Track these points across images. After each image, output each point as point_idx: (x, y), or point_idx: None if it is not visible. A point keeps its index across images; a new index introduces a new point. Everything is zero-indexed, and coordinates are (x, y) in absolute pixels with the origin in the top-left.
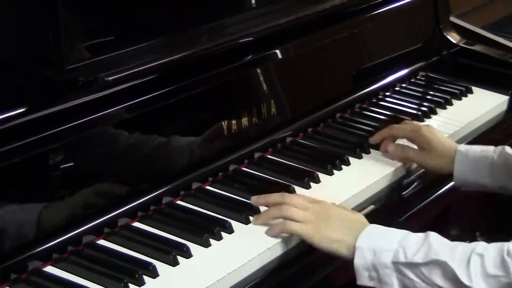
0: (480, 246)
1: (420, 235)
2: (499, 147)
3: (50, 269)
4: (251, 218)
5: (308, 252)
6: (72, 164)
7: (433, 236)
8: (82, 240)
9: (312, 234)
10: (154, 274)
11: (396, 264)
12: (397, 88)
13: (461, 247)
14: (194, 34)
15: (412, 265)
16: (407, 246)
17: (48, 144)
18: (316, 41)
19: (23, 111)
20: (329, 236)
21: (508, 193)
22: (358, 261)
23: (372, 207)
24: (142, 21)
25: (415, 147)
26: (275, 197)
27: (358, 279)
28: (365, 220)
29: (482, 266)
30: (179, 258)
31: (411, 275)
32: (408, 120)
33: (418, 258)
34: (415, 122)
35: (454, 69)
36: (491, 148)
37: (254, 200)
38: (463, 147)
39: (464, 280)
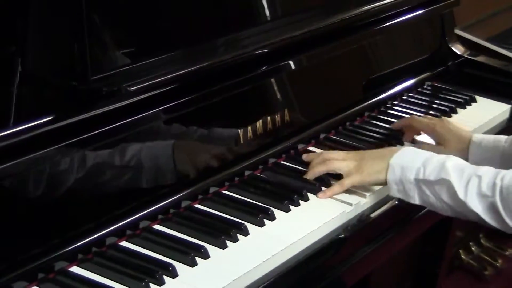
0: (483, 169)
1: (442, 157)
2: (511, 137)
3: (75, 269)
4: (265, 221)
5: (320, 254)
6: (95, 169)
7: (451, 159)
8: (106, 241)
9: (360, 177)
10: (173, 274)
11: (417, 180)
12: (404, 97)
13: (468, 169)
14: (212, 46)
15: (427, 182)
16: (428, 165)
17: (73, 150)
18: (327, 52)
19: (51, 119)
20: (369, 171)
21: None
22: (389, 176)
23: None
24: (163, 34)
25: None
26: (317, 159)
27: (390, 191)
28: (397, 148)
29: (478, 186)
30: (197, 259)
31: (427, 190)
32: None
33: (432, 177)
34: (431, 118)
35: (459, 79)
36: (503, 137)
37: (304, 156)
38: (476, 137)
39: (461, 196)
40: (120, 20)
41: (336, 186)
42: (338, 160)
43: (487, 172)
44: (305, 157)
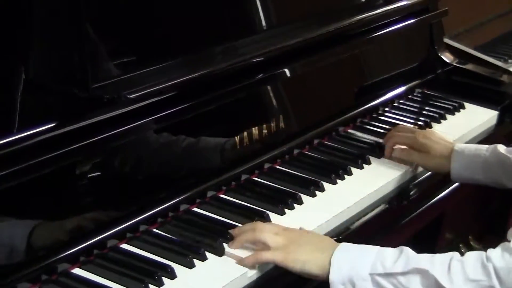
0: (457, 254)
1: (394, 249)
2: (492, 146)
3: (77, 270)
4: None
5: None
6: (96, 175)
7: (408, 249)
8: (107, 244)
9: (285, 258)
10: (172, 275)
11: (373, 275)
12: (395, 104)
13: (439, 256)
14: (210, 54)
15: (390, 276)
16: (384, 258)
17: (74, 156)
18: (321, 60)
19: (53, 126)
20: (301, 258)
21: (499, 187)
22: (333, 276)
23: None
24: (162, 43)
25: None
26: (248, 225)
27: None
28: (333, 240)
29: (463, 272)
30: (195, 261)
31: (388, 285)
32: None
33: (397, 268)
34: (411, 129)
35: (448, 86)
36: (484, 146)
37: (232, 232)
38: (459, 146)
39: (446, 285)
40: (119, 29)
41: (252, 256)
42: (268, 233)
43: (465, 256)
44: (235, 230)
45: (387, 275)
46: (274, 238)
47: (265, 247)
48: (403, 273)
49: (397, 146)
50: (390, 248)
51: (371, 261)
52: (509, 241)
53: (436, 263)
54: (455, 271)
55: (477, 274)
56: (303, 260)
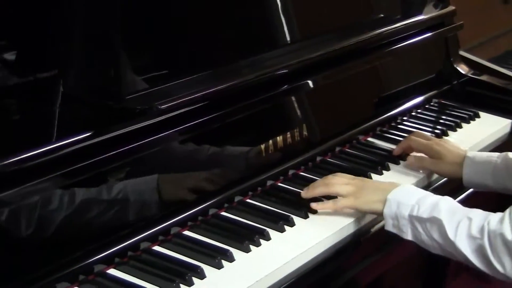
0: (473, 212)
1: (437, 197)
2: (503, 154)
3: (112, 271)
4: (286, 227)
5: (336, 257)
6: (131, 181)
7: (445, 199)
8: (140, 246)
9: (356, 202)
10: (201, 276)
11: (410, 216)
12: (413, 113)
13: (460, 211)
14: (236, 67)
15: (420, 219)
16: (422, 203)
17: (109, 163)
18: (342, 72)
19: (88, 135)
20: (368, 200)
21: (509, 193)
22: (386, 211)
23: None
24: (191, 56)
25: None
26: (320, 181)
27: (385, 225)
28: (396, 184)
29: (468, 228)
30: (223, 262)
31: (419, 227)
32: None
33: (425, 214)
34: (427, 136)
35: (463, 96)
36: (495, 154)
37: (304, 193)
38: (471, 153)
39: (451, 236)
40: (152, 44)
41: (330, 203)
42: (339, 184)
43: (478, 214)
44: (307, 193)
45: (418, 218)
46: (345, 187)
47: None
48: (428, 220)
49: (413, 153)
50: (433, 196)
51: (412, 203)
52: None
53: (453, 216)
54: (462, 226)
55: (477, 232)
56: (370, 201)
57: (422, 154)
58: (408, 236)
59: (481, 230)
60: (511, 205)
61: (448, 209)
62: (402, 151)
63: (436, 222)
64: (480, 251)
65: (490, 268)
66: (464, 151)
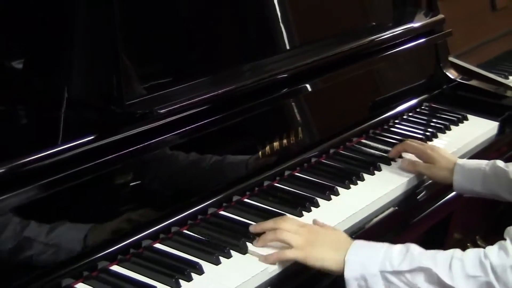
0: (458, 252)
1: (400, 246)
2: (491, 161)
3: (115, 267)
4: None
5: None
6: (133, 182)
7: (414, 247)
8: (142, 244)
9: (306, 257)
10: (200, 271)
11: (383, 272)
12: (405, 116)
13: (441, 254)
14: (236, 72)
15: (397, 273)
16: (392, 257)
17: (112, 165)
18: (338, 77)
19: (92, 138)
20: (320, 257)
21: (498, 199)
22: (348, 273)
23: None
24: (190, 63)
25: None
26: (269, 223)
27: (347, 287)
28: (347, 236)
29: (463, 268)
30: (221, 259)
31: (396, 281)
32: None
33: (404, 267)
34: (421, 143)
35: (452, 100)
36: (484, 161)
37: (252, 228)
38: (461, 160)
39: (447, 281)
40: (152, 52)
41: (275, 254)
42: (288, 232)
43: (465, 254)
44: (255, 227)
45: (395, 272)
46: (295, 238)
47: (287, 245)
48: (409, 271)
49: (407, 155)
50: (397, 246)
51: (380, 260)
52: (505, 240)
53: (439, 261)
54: (455, 268)
55: (475, 270)
56: (322, 258)
57: (415, 158)
58: None
59: (481, 267)
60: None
61: (426, 255)
62: (398, 154)
63: (423, 271)
64: (486, 287)
65: None
66: (455, 158)
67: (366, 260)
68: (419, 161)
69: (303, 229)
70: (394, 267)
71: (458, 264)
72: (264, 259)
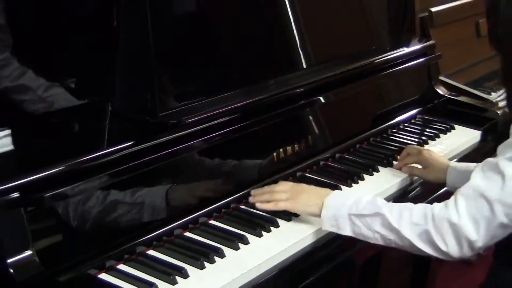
0: (410, 204)
1: (370, 196)
2: (480, 163)
3: (151, 252)
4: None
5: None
6: (164, 180)
7: (379, 199)
8: (174, 232)
9: (294, 205)
10: (221, 255)
11: (350, 215)
12: (401, 126)
13: (398, 205)
14: (262, 86)
15: (360, 216)
16: (359, 203)
17: (146, 166)
18: (345, 92)
19: (131, 144)
20: (304, 203)
21: None
22: (323, 214)
23: None
24: (218, 78)
25: (419, 166)
26: (266, 188)
27: (323, 226)
28: (328, 190)
29: (410, 217)
30: (240, 245)
31: (359, 223)
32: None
33: (365, 211)
34: (418, 148)
35: (442, 112)
36: (473, 164)
37: (253, 192)
38: (453, 163)
39: (395, 226)
40: (182, 70)
41: (272, 204)
42: (280, 191)
43: (415, 206)
44: (255, 191)
45: (358, 215)
46: (284, 194)
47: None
48: (369, 215)
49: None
50: (367, 196)
51: (349, 204)
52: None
53: (393, 209)
54: (404, 216)
55: (419, 219)
56: (306, 204)
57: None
58: (346, 232)
59: (424, 217)
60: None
61: (386, 205)
62: (400, 166)
63: (379, 216)
64: (425, 235)
65: (433, 248)
66: (448, 161)
67: (339, 204)
68: (415, 165)
69: (292, 187)
70: (358, 211)
71: (407, 214)
72: (260, 205)
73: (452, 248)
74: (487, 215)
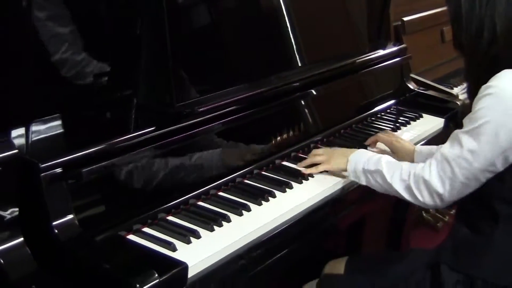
0: (403, 164)
1: (379, 155)
2: (440, 146)
3: (170, 218)
4: (287, 189)
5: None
6: (180, 160)
7: (385, 157)
8: (189, 201)
9: (329, 165)
10: (228, 220)
11: (363, 169)
12: (379, 115)
13: (394, 164)
14: (263, 81)
15: (369, 171)
16: (370, 161)
17: (165, 148)
18: (333, 86)
19: (152, 129)
20: (337, 162)
21: None
22: (348, 167)
23: None
24: (227, 74)
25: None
26: (308, 159)
27: (349, 176)
28: (355, 150)
29: (400, 174)
30: (243, 212)
31: (369, 176)
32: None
33: (372, 167)
34: (391, 133)
35: (413, 103)
36: (435, 146)
37: (299, 164)
38: (418, 147)
39: (388, 179)
40: (196, 67)
41: (313, 168)
42: (319, 155)
43: (406, 165)
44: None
45: (368, 170)
46: (321, 157)
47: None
48: (373, 171)
49: (380, 145)
50: (377, 155)
51: (364, 161)
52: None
53: (390, 167)
54: (396, 173)
55: (406, 176)
56: (337, 162)
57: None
58: (363, 182)
59: (408, 175)
60: None
61: (386, 163)
62: (372, 143)
63: (379, 172)
64: (408, 188)
65: (414, 198)
66: (413, 146)
67: (358, 160)
68: (386, 149)
69: (326, 151)
70: (368, 166)
71: (398, 171)
72: (305, 170)
73: (426, 199)
74: (450, 175)
